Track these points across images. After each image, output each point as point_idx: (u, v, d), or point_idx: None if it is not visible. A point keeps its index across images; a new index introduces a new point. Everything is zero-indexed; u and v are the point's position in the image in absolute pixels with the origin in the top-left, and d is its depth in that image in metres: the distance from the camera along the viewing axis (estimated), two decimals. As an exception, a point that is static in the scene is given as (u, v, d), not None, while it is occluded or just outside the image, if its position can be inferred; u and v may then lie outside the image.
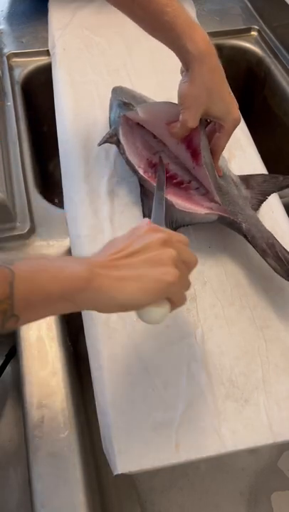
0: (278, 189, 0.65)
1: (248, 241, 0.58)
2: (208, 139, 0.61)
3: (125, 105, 0.68)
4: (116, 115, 0.68)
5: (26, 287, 0.34)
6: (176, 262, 0.40)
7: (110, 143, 0.65)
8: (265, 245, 0.57)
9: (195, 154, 0.62)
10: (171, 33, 0.53)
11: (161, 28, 0.54)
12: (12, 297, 0.33)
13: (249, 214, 0.60)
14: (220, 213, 0.58)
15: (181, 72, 0.58)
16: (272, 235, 0.58)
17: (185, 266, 0.42)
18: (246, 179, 0.65)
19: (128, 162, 0.64)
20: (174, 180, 0.63)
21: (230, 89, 0.57)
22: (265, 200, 0.64)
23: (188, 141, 0.63)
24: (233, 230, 0.60)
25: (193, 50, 0.53)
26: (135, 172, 0.63)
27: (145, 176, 0.62)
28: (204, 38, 0.54)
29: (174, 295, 0.41)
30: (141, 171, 0.62)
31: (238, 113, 0.57)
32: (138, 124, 0.67)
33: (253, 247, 0.58)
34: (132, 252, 0.40)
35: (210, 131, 0.62)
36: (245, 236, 0.58)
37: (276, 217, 0.65)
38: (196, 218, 0.59)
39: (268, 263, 0.56)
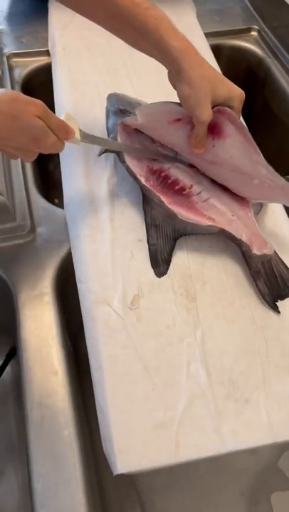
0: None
1: (245, 259, 0.59)
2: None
3: (121, 112, 0.67)
4: (113, 123, 0.67)
5: None
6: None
7: (110, 152, 0.65)
8: (261, 264, 0.58)
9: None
10: (150, 43, 0.56)
11: (143, 37, 0.56)
12: None
13: (254, 231, 0.60)
14: (221, 227, 0.59)
15: (170, 79, 0.58)
16: (272, 256, 0.59)
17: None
18: None
19: (129, 170, 0.63)
20: (176, 187, 0.63)
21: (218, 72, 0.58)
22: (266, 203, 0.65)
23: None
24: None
25: (175, 52, 0.54)
26: (136, 180, 0.63)
27: (147, 185, 0.62)
28: (183, 38, 0.55)
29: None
30: (142, 180, 0.62)
31: (238, 88, 0.58)
32: (136, 130, 0.66)
33: (248, 267, 0.59)
34: None
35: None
36: (242, 254, 0.59)
37: (276, 218, 0.65)
38: (198, 229, 0.60)
39: (258, 287, 0.58)
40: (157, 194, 0.61)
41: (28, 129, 0.49)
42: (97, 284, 0.58)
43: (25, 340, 0.56)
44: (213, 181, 0.64)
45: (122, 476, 0.47)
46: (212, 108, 0.57)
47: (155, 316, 0.56)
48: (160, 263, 0.59)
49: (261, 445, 0.49)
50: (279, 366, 0.53)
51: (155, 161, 0.65)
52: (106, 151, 0.64)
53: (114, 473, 0.47)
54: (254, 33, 0.98)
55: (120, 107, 0.68)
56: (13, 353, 0.72)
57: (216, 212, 0.61)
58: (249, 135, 0.58)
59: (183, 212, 0.60)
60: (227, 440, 0.49)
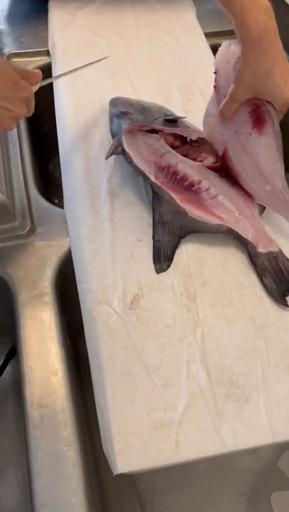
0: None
1: (250, 258, 0.60)
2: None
3: (124, 114, 0.68)
4: (117, 126, 0.68)
5: None
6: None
7: (117, 154, 0.66)
8: (267, 262, 0.59)
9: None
10: (229, 11, 0.54)
11: (224, 7, 0.55)
12: None
13: (259, 230, 0.61)
14: (229, 226, 0.60)
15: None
16: (278, 253, 0.60)
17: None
18: None
19: (137, 169, 0.64)
20: (185, 183, 0.63)
21: (286, 68, 0.55)
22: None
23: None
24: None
25: (243, 36, 0.53)
26: (146, 179, 0.63)
27: (158, 183, 0.62)
28: (256, 21, 0.52)
29: None
30: (152, 177, 0.63)
31: (288, 94, 0.56)
32: (140, 130, 0.66)
33: (253, 264, 0.60)
34: None
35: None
36: (248, 252, 0.60)
37: (279, 216, 0.65)
38: (206, 228, 0.61)
39: (264, 284, 0.58)
40: (168, 191, 0.61)
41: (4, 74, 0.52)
42: (97, 284, 0.58)
43: (25, 340, 0.56)
44: (221, 176, 0.65)
45: (122, 475, 0.47)
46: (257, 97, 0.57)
47: (155, 316, 0.56)
48: (162, 260, 0.60)
49: (261, 445, 0.49)
50: (279, 366, 0.53)
51: (162, 158, 0.65)
52: (112, 153, 0.65)
53: (114, 473, 0.47)
54: (254, 33, 0.98)
55: (122, 110, 0.69)
56: (13, 353, 0.72)
57: (224, 210, 0.62)
58: (280, 143, 0.59)
59: (193, 210, 0.61)
60: (227, 440, 0.49)
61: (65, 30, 0.90)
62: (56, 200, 0.77)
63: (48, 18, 0.94)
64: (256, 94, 0.57)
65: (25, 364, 0.55)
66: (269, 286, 0.58)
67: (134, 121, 0.66)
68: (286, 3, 0.92)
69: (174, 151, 0.65)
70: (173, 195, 0.61)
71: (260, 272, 0.59)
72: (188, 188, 0.63)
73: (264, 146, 0.60)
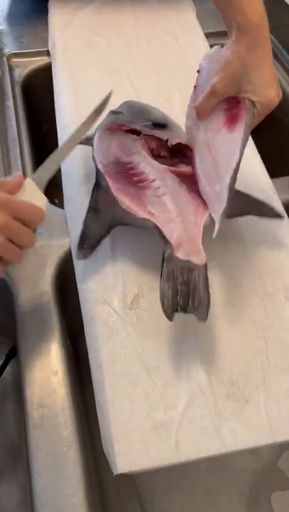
0: (259, 214, 0.61)
1: (162, 260, 0.52)
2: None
3: (114, 113, 0.66)
4: (102, 122, 0.66)
5: None
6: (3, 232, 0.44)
7: (85, 144, 0.64)
8: (179, 270, 0.51)
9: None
10: (224, 4, 0.51)
11: None
12: None
13: (191, 236, 0.54)
14: (155, 223, 0.55)
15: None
16: (198, 267, 0.51)
17: (16, 238, 0.46)
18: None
19: (93, 159, 0.62)
20: (135, 178, 0.60)
21: (272, 66, 0.53)
22: (239, 216, 0.60)
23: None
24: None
25: (241, 20, 0.50)
26: (95, 166, 0.61)
27: (102, 170, 0.60)
28: (255, 9, 0.50)
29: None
30: (100, 166, 0.60)
31: (273, 94, 0.53)
32: (120, 128, 0.64)
33: (161, 266, 0.52)
34: None
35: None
36: (163, 255, 0.52)
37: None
38: (134, 221, 0.57)
39: (160, 286, 0.50)
40: (107, 179, 0.59)
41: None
42: (97, 284, 0.58)
43: (25, 340, 0.56)
44: (183, 182, 0.60)
45: (122, 475, 0.47)
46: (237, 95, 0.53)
47: (155, 316, 0.56)
48: (85, 246, 0.57)
49: (261, 445, 0.49)
50: (279, 366, 0.53)
51: (128, 156, 0.62)
52: (80, 143, 0.62)
53: (114, 473, 0.47)
54: (254, 33, 0.98)
55: (115, 109, 0.67)
56: (13, 353, 0.72)
57: (161, 209, 0.56)
58: (244, 144, 0.54)
59: (124, 200, 0.57)
60: (227, 440, 0.49)
61: (65, 30, 0.90)
62: (56, 200, 0.77)
63: (48, 18, 0.94)
64: (239, 91, 0.53)
65: (25, 364, 0.55)
66: (163, 293, 0.50)
67: (118, 119, 0.64)
68: (286, 3, 0.93)
69: (144, 153, 0.62)
70: (110, 183, 0.58)
71: (165, 276, 0.51)
72: (135, 182, 0.59)
73: (228, 142, 0.55)
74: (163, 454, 0.48)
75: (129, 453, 0.48)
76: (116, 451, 0.48)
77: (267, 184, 0.70)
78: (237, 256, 0.61)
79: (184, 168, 0.62)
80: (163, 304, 0.50)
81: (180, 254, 0.51)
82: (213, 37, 0.95)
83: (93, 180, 0.68)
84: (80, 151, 0.71)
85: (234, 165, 0.53)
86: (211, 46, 0.88)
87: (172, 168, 0.61)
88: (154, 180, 0.60)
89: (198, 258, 0.51)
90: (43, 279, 0.61)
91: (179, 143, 0.63)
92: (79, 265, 0.60)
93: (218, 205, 0.54)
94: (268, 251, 0.62)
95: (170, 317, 0.50)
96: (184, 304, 0.50)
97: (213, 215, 0.55)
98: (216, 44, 0.96)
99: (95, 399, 0.52)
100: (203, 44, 0.89)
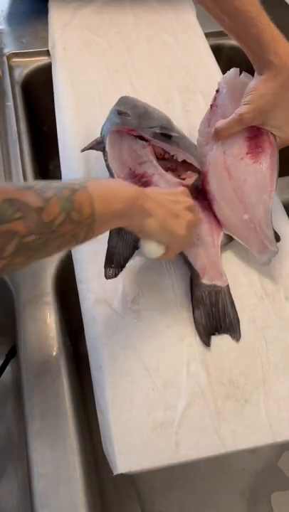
0: None
1: (190, 286, 0.57)
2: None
3: (120, 114, 0.65)
4: (108, 123, 0.65)
5: (101, 206, 0.42)
6: (189, 226, 0.51)
7: (96, 149, 0.64)
8: (207, 294, 0.56)
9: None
10: (256, 45, 0.57)
11: (247, 39, 0.57)
12: (94, 214, 0.41)
13: (212, 260, 0.58)
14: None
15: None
16: (222, 289, 0.57)
17: (191, 237, 0.54)
18: None
19: (109, 169, 0.62)
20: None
21: None
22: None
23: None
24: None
25: (275, 61, 0.55)
26: (111, 177, 0.61)
27: None
28: (286, 51, 0.56)
29: (171, 246, 0.51)
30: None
31: None
32: (129, 133, 0.64)
33: (191, 293, 0.57)
34: (165, 199, 0.50)
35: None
36: (190, 280, 0.58)
37: (277, 218, 0.65)
38: None
39: (194, 315, 0.55)
40: None
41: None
42: (97, 284, 0.58)
43: (25, 340, 0.56)
44: (195, 198, 0.60)
45: (122, 475, 0.47)
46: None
47: (155, 316, 0.56)
48: (113, 266, 0.58)
49: (261, 445, 0.49)
50: (279, 366, 0.53)
51: (140, 166, 0.63)
52: (91, 148, 0.64)
53: (114, 473, 0.47)
54: (254, 33, 0.98)
55: (120, 109, 0.66)
56: (13, 353, 0.72)
57: None
58: (275, 175, 0.58)
59: None
60: (227, 440, 0.49)
61: (65, 30, 0.90)
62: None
63: (48, 18, 0.94)
64: (263, 123, 0.57)
65: (25, 364, 0.55)
66: (198, 320, 0.55)
67: (126, 123, 0.64)
68: (286, 3, 0.92)
69: (155, 163, 0.62)
70: None
71: (195, 303, 0.56)
72: None
73: (255, 173, 0.58)
74: (163, 454, 0.48)
75: (129, 453, 0.48)
76: (116, 451, 0.48)
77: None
78: (237, 255, 0.61)
79: (190, 179, 0.62)
80: (199, 332, 0.54)
81: (206, 280, 0.57)
82: (213, 37, 0.95)
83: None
84: (79, 152, 0.71)
85: (268, 199, 0.58)
86: (211, 46, 0.89)
87: (184, 183, 0.61)
88: None
89: (222, 281, 0.57)
90: (43, 279, 0.61)
91: (184, 160, 0.63)
92: (79, 265, 0.60)
93: (254, 236, 0.58)
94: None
95: (207, 342, 0.54)
96: (218, 326, 0.55)
97: (248, 246, 0.59)
98: (215, 44, 0.97)
99: (95, 399, 0.52)
100: (203, 44, 0.89)
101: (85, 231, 0.41)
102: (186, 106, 0.77)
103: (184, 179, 0.62)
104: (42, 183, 0.39)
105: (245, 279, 0.59)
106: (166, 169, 0.63)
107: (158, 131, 0.62)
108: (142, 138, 0.64)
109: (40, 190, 0.38)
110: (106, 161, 0.63)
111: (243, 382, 0.52)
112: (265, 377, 0.53)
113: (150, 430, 0.49)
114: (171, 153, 0.64)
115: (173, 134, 0.63)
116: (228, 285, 0.58)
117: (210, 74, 0.82)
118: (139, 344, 0.54)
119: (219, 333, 0.55)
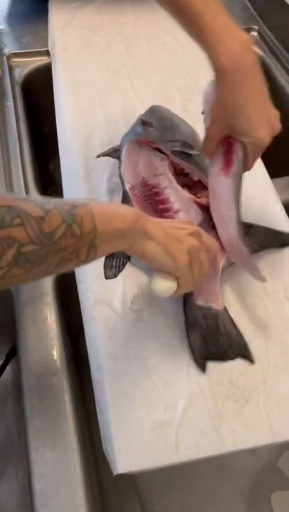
0: (278, 245, 0.62)
1: (184, 307, 0.56)
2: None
3: (143, 124, 0.64)
4: (131, 132, 0.65)
5: (103, 223, 0.40)
6: (190, 251, 0.47)
7: (112, 157, 0.64)
8: (201, 317, 0.54)
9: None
10: (200, 43, 0.51)
11: (193, 34, 0.51)
12: (95, 230, 0.39)
13: (209, 283, 0.56)
14: None
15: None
16: (219, 312, 0.55)
17: (198, 265, 0.49)
18: (249, 226, 0.60)
19: (120, 177, 0.62)
20: (160, 206, 0.60)
21: (262, 104, 0.51)
22: (260, 251, 0.61)
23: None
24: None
25: (216, 63, 0.49)
26: (122, 186, 0.61)
27: (129, 192, 0.60)
28: (230, 50, 0.48)
29: (180, 276, 0.48)
30: (127, 186, 0.61)
31: (263, 133, 0.51)
32: (149, 144, 0.63)
33: (184, 315, 0.55)
34: (168, 225, 0.48)
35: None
36: (184, 301, 0.56)
37: (277, 218, 0.65)
38: None
39: (188, 339, 0.54)
40: (133, 204, 0.60)
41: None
42: (97, 284, 0.58)
43: (25, 340, 0.56)
44: (205, 217, 0.60)
45: (122, 476, 0.47)
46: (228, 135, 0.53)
47: (155, 316, 0.56)
48: (112, 268, 0.58)
49: (261, 445, 0.49)
50: (279, 366, 0.53)
51: (154, 177, 0.62)
52: (107, 155, 0.64)
53: (114, 473, 0.47)
54: (254, 33, 0.98)
55: (145, 119, 0.64)
56: (13, 353, 0.72)
57: None
58: (238, 188, 0.55)
59: None
60: (227, 440, 0.49)
61: (65, 30, 0.90)
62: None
63: (48, 18, 0.94)
64: (230, 131, 0.53)
65: (25, 364, 0.55)
66: (193, 344, 0.53)
67: (147, 134, 0.62)
68: (286, 3, 0.92)
69: (171, 177, 0.61)
70: (137, 208, 0.56)
71: (189, 325, 0.54)
72: (161, 211, 0.60)
73: (224, 189, 0.55)
74: (163, 454, 0.48)
75: (129, 453, 0.48)
76: (116, 451, 0.48)
77: (267, 184, 0.70)
78: (237, 256, 0.61)
79: (204, 199, 0.61)
80: (194, 357, 0.53)
81: (200, 302, 0.55)
82: (213, 37, 0.95)
83: (93, 180, 0.68)
84: (80, 151, 0.71)
85: (234, 215, 0.55)
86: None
87: (197, 200, 0.60)
88: (178, 211, 0.60)
89: (218, 304, 0.55)
90: (43, 280, 0.61)
91: (199, 179, 0.62)
92: (79, 265, 0.60)
93: (237, 253, 0.56)
94: (268, 251, 0.62)
95: (203, 367, 0.52)
96: (218, 351, 0.53)
97: (239, 265, 0.58)
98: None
99: (95, 399, 0.52)
100: (203, 44, 0.89)
101: (86, 248, 0.39)
102: (186, 106, 0.77)
103: (199, 198, 0.61)
104: (40, 198, 0.39)
105: (243, 280, 0.59)
106: (183, 185, 0.62)
107: (177, 147, 0.61)
108: (161, 151, 0.63)
109: (39, 202, 0.37)
110: (119, 168, 0.63)
111: (243, 382, 0.52)
112: (265, 377, 0.53)
113: (150, 430, 0.49)
114: (187, 171, 0.63)
115: (193, 152, 0.61)
116: (225, 307, 0.56)
117: (210, 74, 0.82)
118: (139, 344, 0.54)
119: (222, 359, 0.53)
